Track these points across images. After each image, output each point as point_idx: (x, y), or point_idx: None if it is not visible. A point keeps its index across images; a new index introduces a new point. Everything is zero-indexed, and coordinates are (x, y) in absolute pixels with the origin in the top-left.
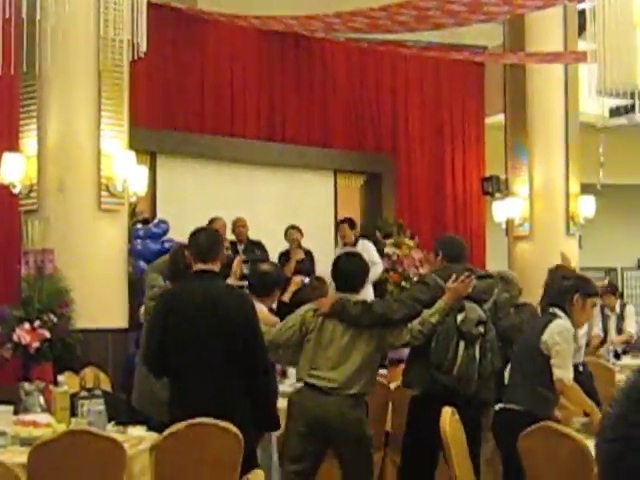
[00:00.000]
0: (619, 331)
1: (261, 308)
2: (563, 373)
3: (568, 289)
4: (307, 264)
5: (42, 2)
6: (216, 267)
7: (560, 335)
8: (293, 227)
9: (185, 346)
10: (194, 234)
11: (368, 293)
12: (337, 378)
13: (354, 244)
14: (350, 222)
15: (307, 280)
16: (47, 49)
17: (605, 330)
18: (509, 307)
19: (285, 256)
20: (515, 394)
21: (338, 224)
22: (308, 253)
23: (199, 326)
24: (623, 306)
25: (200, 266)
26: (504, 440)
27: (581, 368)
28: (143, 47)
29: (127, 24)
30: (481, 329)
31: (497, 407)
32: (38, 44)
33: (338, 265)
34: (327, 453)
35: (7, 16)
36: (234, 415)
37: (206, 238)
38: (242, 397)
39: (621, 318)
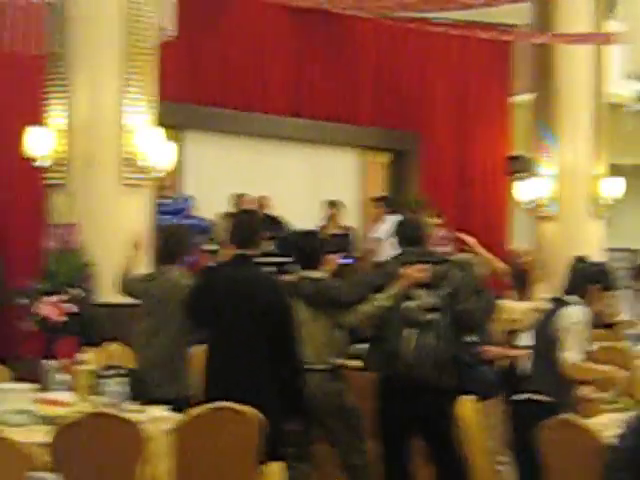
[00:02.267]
0: None
1: None
2: (566, 354)
3: (587, 278)
4: (340, 241)
5: None
6: (253, 252)
7: (574, 318)
8: (330, 202)
9: (216, 328)
10: (237, 217)
11: None
12: (308, 354)
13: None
14: (383, 200)
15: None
16: (76, 28)
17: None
18: (469, 293)
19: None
20: (540, 384)
21: (374, 201)
22: (347, 229)
23: (231, 309)
24: None
25: (238, 251)
26: (527, 432)
27: None
28: (170, 31)
29: (157, 6)
30: (433, 316)
31: (521, 397)
32: (66, 24)
33: (296, 244)
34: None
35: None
36: (262, 398)
37: (248, 223)
38: (271, 381)
39: None
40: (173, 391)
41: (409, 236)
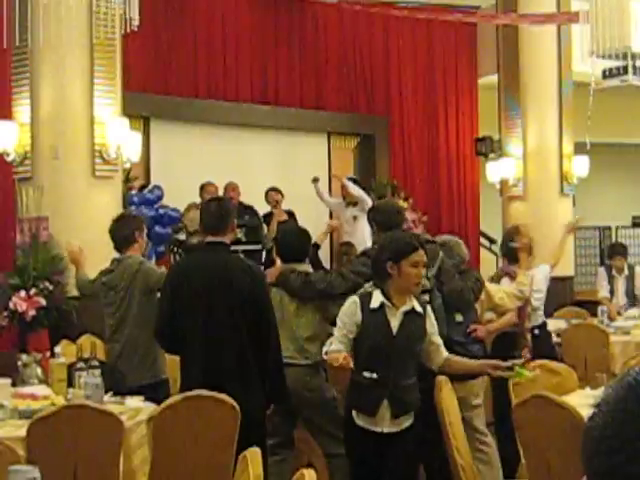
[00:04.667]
0: (628, 294)
1: None
2: None
3: (379, 262)
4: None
5: None
6: (227, 239)
7: None
8: (272, 189)
9: (194, 320)
10: (206, 204)
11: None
12: (290, 349)
13: (355, 204)
14: (354, 182)
15: None
16: (39, 22)
17: (612, 292)
18: (453, 273)
19: (268, 218)
20: None
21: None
22: (291, 214)
23: (209, 299)
24: (631, 268)
25: (210, 238)
26: None
27: (537, 331)
28: (136, 21)
29: None
30: (425, 297)
31: None
32: (30, 18)
33: (280, 239)
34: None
35: None
36: (244, 386)
37: (217, 209)
38: (252, 369)
39: (630, 280)
40: (147, 376)
41: (385, 221)
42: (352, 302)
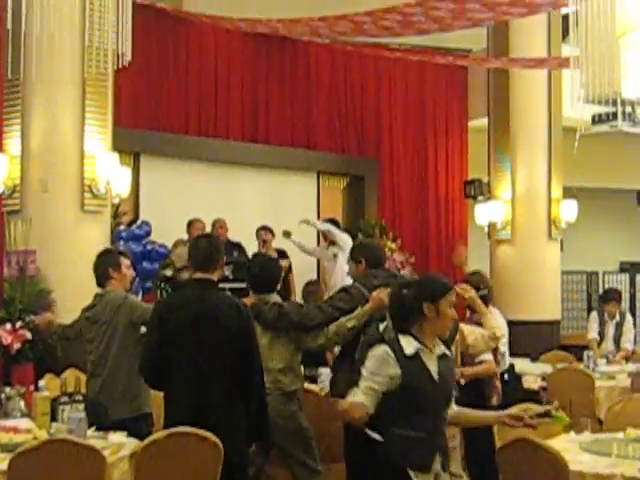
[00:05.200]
0: (615, 340)
1: None
2: None
3: (411, 303)
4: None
5: (27, 14)
6: (215, 276)
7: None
8: (263, 228)
9: (182, 356)
10: (195, 241)
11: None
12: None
13: (335, 242)
14: (332, 222)
15: None
16: (32, 56)
17: (601, 336)
18: None
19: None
20: None
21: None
22: (282, 252)
23: (194, 336)
24: (622, 315)
25: (199, 275)
26: None
27: (506, 376)
28: (128, 57)
29: (112, 33)
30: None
31: None
32: (23, 52)
33: (251, 270)
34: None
35: None
36: (228, 423)
37: (207, 246)
38: (238, 405)
39: (619, 327)
40: (129, 410)
41: (375, 258)
42: (383, 352)
